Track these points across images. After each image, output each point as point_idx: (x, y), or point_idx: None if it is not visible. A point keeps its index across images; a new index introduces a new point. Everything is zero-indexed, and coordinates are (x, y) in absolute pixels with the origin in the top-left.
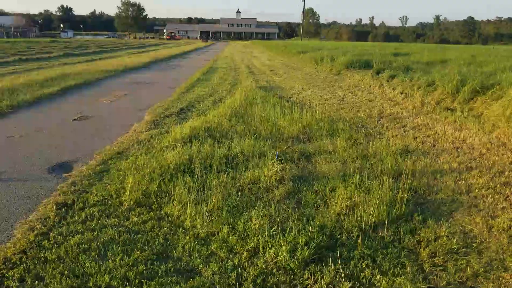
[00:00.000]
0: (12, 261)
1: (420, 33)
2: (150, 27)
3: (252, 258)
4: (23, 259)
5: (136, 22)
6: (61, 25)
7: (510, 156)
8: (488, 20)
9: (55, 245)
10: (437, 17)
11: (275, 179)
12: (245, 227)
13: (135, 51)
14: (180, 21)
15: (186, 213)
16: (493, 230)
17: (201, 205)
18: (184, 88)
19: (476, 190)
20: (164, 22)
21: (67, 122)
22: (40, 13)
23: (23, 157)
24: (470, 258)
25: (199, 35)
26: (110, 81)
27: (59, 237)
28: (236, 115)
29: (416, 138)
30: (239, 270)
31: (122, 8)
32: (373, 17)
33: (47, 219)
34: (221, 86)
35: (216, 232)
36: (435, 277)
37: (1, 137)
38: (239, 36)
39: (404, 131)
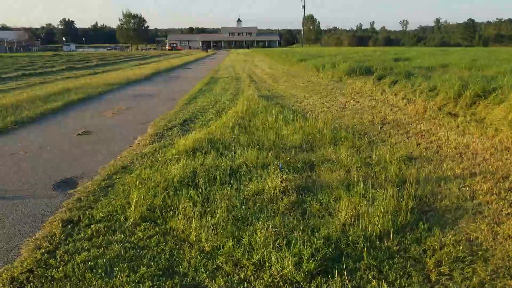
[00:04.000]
0: (19, 280)
1: (421, 36)
2: (152, 38)
3: (258, 272)
4: (30, 278)
5: (138, 33)
6: (64, 39)
7: None
8: (488, 21)
9: (61, 263)
10: (438, 20)
11: (279, 190)
12: (250, 240)
13: (137, 63)
14: (182, 31)
15: (191, 227)
16: (498, 237)
17: (206, 218)
18: (186, 99)
19: (481, 197)
20: (165, 32)
21: (71, 137)
22: (43, 27)
23: (28, 174)
24: (476, 266)
25: (200, 45)
26: (112, 94)
27: (65, 255)
28: (238, 126)
29: (419, 144)
30: (246, 284)
31: (123, 20)
32: (373, 22)
33: (53, 237)
34: (223, 96)
35: (221, 246)
36: (441, 286)
37: (6, 154)
38: (240, 45)
39: (407, 138)
